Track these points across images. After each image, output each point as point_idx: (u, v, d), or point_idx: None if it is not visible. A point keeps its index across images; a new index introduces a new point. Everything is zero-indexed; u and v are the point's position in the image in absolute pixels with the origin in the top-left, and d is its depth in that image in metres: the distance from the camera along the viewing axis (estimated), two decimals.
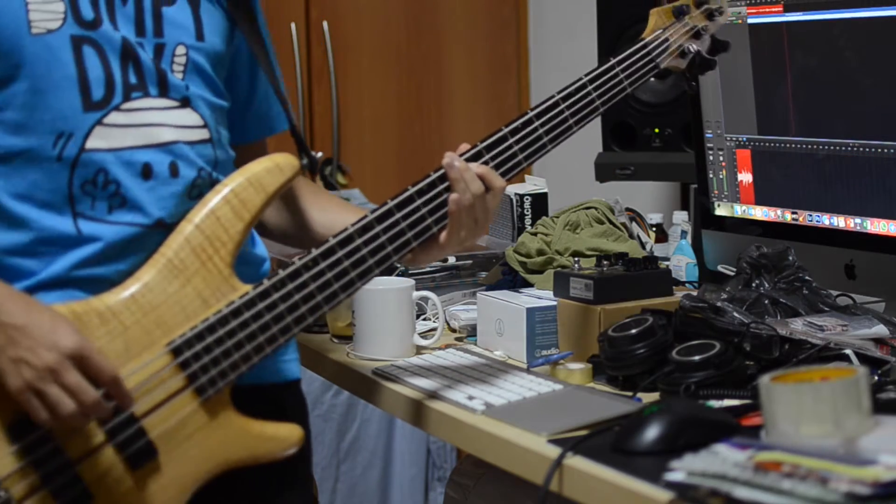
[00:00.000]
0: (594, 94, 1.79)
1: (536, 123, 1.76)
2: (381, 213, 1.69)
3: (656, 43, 1.84)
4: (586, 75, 1.80)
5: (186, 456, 1.62)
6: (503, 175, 1.74)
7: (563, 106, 1.78)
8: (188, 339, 1.61)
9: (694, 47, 1.87)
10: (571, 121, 1.78)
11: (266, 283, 1.64)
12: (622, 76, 1.81)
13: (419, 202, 1.70)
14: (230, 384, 1.63)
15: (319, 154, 1.50)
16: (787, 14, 2.16)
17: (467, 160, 1.73)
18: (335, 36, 3.89)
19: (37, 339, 1.52)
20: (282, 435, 1.67)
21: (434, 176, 1.72)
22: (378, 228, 1.68)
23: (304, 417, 1.87)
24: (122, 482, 1.60)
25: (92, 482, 1.58)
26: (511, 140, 1.75)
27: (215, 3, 1.75)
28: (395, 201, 1.70)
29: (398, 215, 1.69)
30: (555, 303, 2.02)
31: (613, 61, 1.81)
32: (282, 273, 1.64)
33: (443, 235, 1.72)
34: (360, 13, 3.95)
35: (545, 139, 1.77)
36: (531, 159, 1.77)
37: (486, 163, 1.73)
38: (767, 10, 2.17)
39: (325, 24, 3.87)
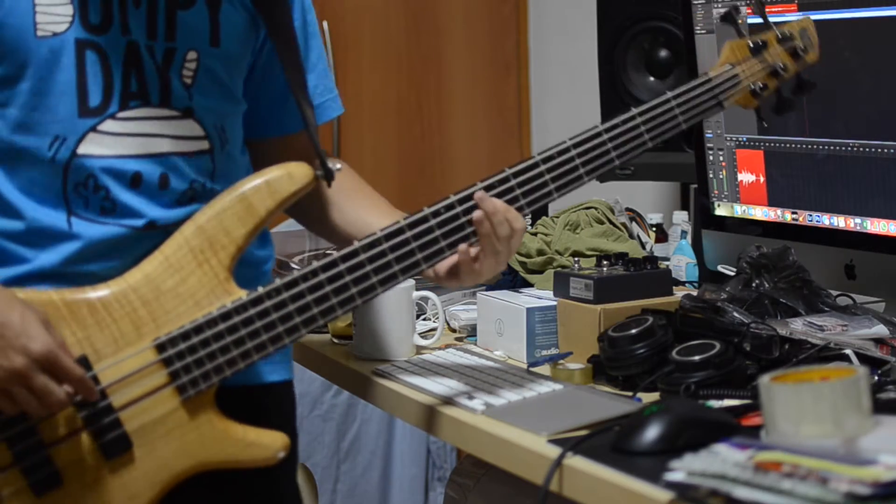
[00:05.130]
0: (643, 128, 1.69)
1: (574, 153, 1.68)
2: (391, 231, 1.65)
3: (723, 79, 1.74)
4: (636, 108, 1.70)
5: (161, 452, 1.61)
6: (530, 205, 1.68)
7: (605, 137, 1.68)
8: (174, 337, 1.61)
9: (769, 86, 1.75)
10: (614, 154, 1.68)
11: (261, 290, 1.62)
12: (678, 111, 1.71)
13: (433, 223, 1.66)
14: (213, 387, 1.63)
15: (339, 166, 1.47)
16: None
17: (497, 185, 1.66)
18: (335, 36, 3.89)
19: (7, 341, 1.52)
20: (265, 442, 1.65)
21: (454, 198, 1.66)
22: (385, 246, 1.64)
23: (290, 421, 1.86)
24: (93, 470, 1.60)
25: (64, 467, 1.59)
26: (543, 167, 1.68)
27: (238, 4, 1.73)
28: (407, 221, 1.66)
29: (408, 234, 1.65)
30: (555, 303, 2.02)
31: (670, 95, 1.71)
32: (278, 282, 1.63)
33: (466, 264, 1.67)
34: (360, 13, 3.95)
35: (581, 171, 1.68)
36: (563, 191, 1.68)
37: (511, 189, 1.66)
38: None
39: (325, 24, 3.87)
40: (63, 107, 1.63)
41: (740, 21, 1.79)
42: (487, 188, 1.67)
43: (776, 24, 1.80)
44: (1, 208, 1.64)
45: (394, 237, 1.65)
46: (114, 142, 1.64)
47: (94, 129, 1.64)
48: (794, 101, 1.80)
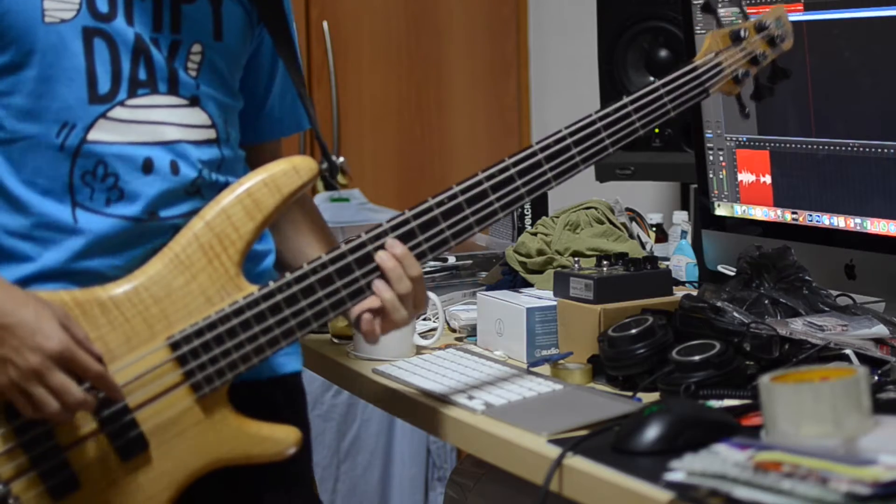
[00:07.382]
0: (635, 117, 1.73)
1: (570, 141, 1.71)
2: (398, 222, 1.68)
3: (707, 67, 1.78)
4: (628, 96, 1.74)
5: (178, 451, 1.61)
6: (530, 193, 1.70)
7: (599, 125, 1.72)
8: (188, 334, 1.61)
9: (750, 73, 1.81)
10: (608, 142, 1.73)
11: (272, 284, 1.63)
12: (666, 99, 1.75)
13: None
14: (227, 383, 1.63)
15: (342, 159, 1.47)
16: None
17: (497, 174, 1.69)
18: (335, 36, 3.89)
19: (21, 340, 1.52)
20: (278, 436, 1.66)
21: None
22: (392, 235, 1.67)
23: (302, 414, 1.86)
24: (111, 472, 1.60)
25: (81, 469, 1.59)
26: (541, 156, 1.70)
27: (237, 1, 1.75)
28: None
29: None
30: (555, 303, 2.02)
31: (658, 83, 1.75)
32: (289, 276, 1.63)
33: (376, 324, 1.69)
34: (360, 13, 3.95)
35: (578, 159, 1.72)
36: (560, 179, 1.72)
37: (512, 178, 1.69)
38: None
39: (325, 24, 3.87)
40: (72, 93, 1.63)
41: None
42: (488, 177, 1.69)
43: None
44: (6, 202, 1.64)
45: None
46: (125, 128, 1.65)
47: (104, 115, 1.64)
48: (771, 88, 1.85)
